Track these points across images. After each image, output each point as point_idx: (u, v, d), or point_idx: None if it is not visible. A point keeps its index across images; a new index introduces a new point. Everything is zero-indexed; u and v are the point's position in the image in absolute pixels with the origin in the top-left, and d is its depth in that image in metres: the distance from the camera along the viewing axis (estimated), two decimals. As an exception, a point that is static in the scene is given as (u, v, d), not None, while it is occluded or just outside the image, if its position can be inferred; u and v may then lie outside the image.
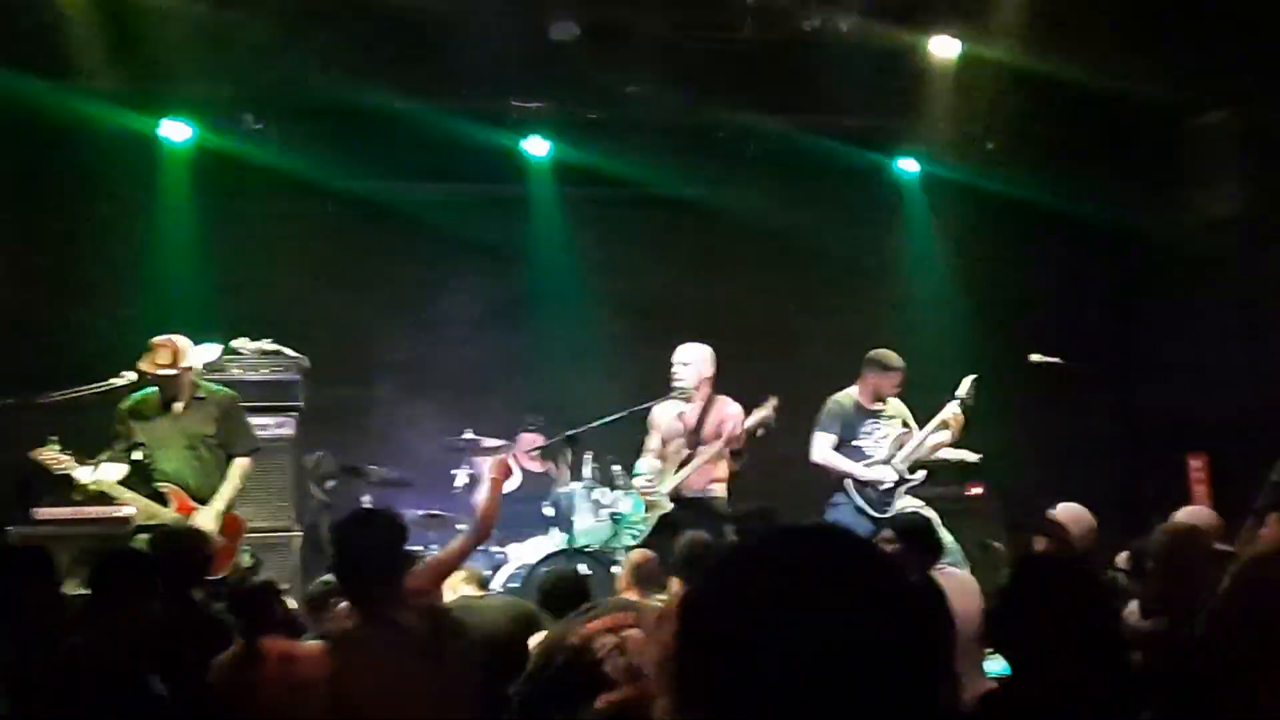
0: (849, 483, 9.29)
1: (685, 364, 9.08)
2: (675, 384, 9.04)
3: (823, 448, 9.23)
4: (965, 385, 9.37)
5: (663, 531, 8.55)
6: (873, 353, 9.42)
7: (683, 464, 9.07)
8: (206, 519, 7.77)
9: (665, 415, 9.20)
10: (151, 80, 10.07)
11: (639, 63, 10.47)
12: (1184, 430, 10.56)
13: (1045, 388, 10.57)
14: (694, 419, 9.11)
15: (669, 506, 8.96)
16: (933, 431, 9.33)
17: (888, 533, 6.99)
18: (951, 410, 9.27)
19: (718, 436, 9.08)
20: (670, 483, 9.03)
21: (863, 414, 9.39)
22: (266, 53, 9.83)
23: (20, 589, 4.75)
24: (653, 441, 9.25)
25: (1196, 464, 9.97)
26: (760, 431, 9.07)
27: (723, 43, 10.36)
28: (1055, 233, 11.63)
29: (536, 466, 10.20)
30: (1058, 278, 11.81)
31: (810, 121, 11.25)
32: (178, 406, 7.98)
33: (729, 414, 9.15)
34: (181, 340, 7.99)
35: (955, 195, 11.57)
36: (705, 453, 9.00)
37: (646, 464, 9.19)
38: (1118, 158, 11.49)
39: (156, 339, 7.93)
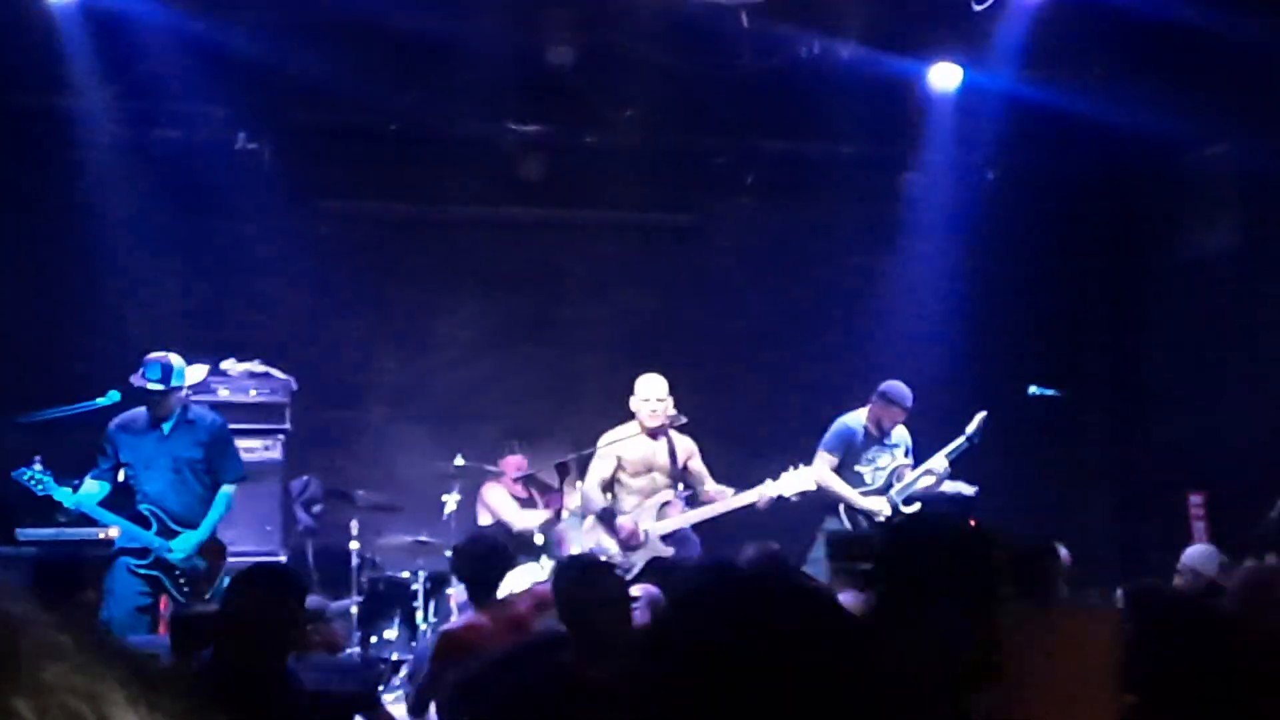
0: (843, 508, 9.18)
1: (661, 400, 8.80)
2: (658, 416, 8.78)
3: (822, 467, 9.10)
4: (975, 422, 9.28)
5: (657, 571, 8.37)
6: (884, 384, 9.31)
7: (665, 504, 8.79)
8: (186, 546, 7.69)
9: (634, 442, 8.81)
10: (144, 97, 9.99)
11: (636, 87, 10.42)
12: (1183, 466, 10.47)
13: (1043, 420, 10.50)
14: (668, 451, 8.90)
15: (663, 549, 8.71)
16: (924, 472, 9.24)
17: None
18: (942, 458, 9.20)
19: (684, 468, 8.88)
20: (682, 520, 8.78)
21: (868, 440, 9.29)
22: (261, 71, 9.76)
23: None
24: (605, 469, 8.80)
25: (1197, 501, 9.87)
26: (795, 498, 8.88)
27: (720, 69, 10.29)
28: (1054, 264, 11.56)
29: (520, 493, 10.07)
30: (1057, 309, 11.72)
31: (809, 149, 11.18)
32: (166, 427, 7.86)
33: (688, 447, 8.94)
34: (175, 358, 7.88)
35: (954, 226, 11.48)
36: (739, 499, 8.71)
37: (599, 496, 8.81)
38: (1117, 190, 11.45)
39: (151, 355, 7.83)
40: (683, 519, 8.71)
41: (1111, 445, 11.61)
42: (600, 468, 8.82)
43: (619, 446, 8.81)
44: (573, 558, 7.20)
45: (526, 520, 9.55)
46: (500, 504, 9.90)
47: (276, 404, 9.50)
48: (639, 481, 8.80)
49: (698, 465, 8.91)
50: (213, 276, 10.44)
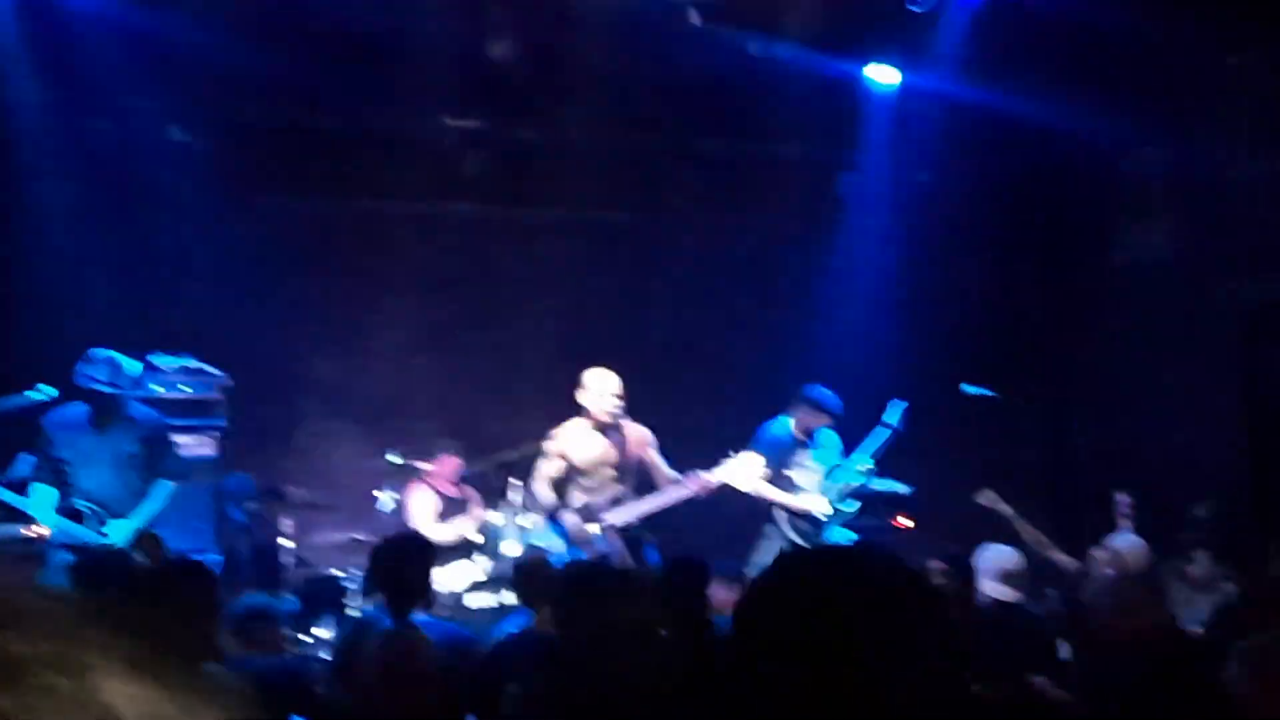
0: (780, 513, 9.21)
1: (617, 394, 8.80)
2: (614, 411, 8.74)
3: (756, 476, 9.10)
4: (894, 410, 9.40)
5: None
6: (807, 389, 9.34)
7: (615, 499, 8.77)
8: (121, 534, 7.57)
9: (581, 440, 8.73)
10: (77, 89, 9.81)
11: (578, 84, 10.39)
12: (1112, 466, 10.61)
13: (976, 419, 10.59)
14: (620, 444, 8.86)
15: (606, 547, 8.62)
16: (855, 469, 9.31)
17: None
18: (868, 453, 9.28)
19: (639, 460, 8.85)
20: (627, 513, 8.73)
21: (795, 444, 9.32)
22: (196, 64, 9.62)
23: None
24: (553, 469, 8.73)
25: (1124, 499, 10.01)
26: (737, 488, 8.86)
27: (663, 67, 10.29)
28: (989, 266, 11.67)
29: (454, 492, 9.98)
30: (991, 311, 11.83)
31: (748, 148, 11.22)
32: (105, 424, 7.73)
33: (643, 437, 8.89)
34: (121, 357, 7.75)
35: (890, 227, 11.56)
36: (681, 490, 8.69)
37: (547, 494, 8.77)
38: (1051, 193, 11.58)
39: (95, 352, 7.68)
40: (627, 512, 8.67)
41: (1043, 444, 11.75)
42: (547, 467, 8.73)
43: (565, 445, 8.73)
44: (580, 567, 6.56)
45: (439, 533, 9.42)
46: (418, 509, 9.74)
47: (210, 400, 9.37)
48: (588, 480, 8.70)
49: (653, 455, 8.84)
50: (146, 271, 10.27)
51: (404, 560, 5.98)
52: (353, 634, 6.00)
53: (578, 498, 8.75)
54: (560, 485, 8.75)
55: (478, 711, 5.96)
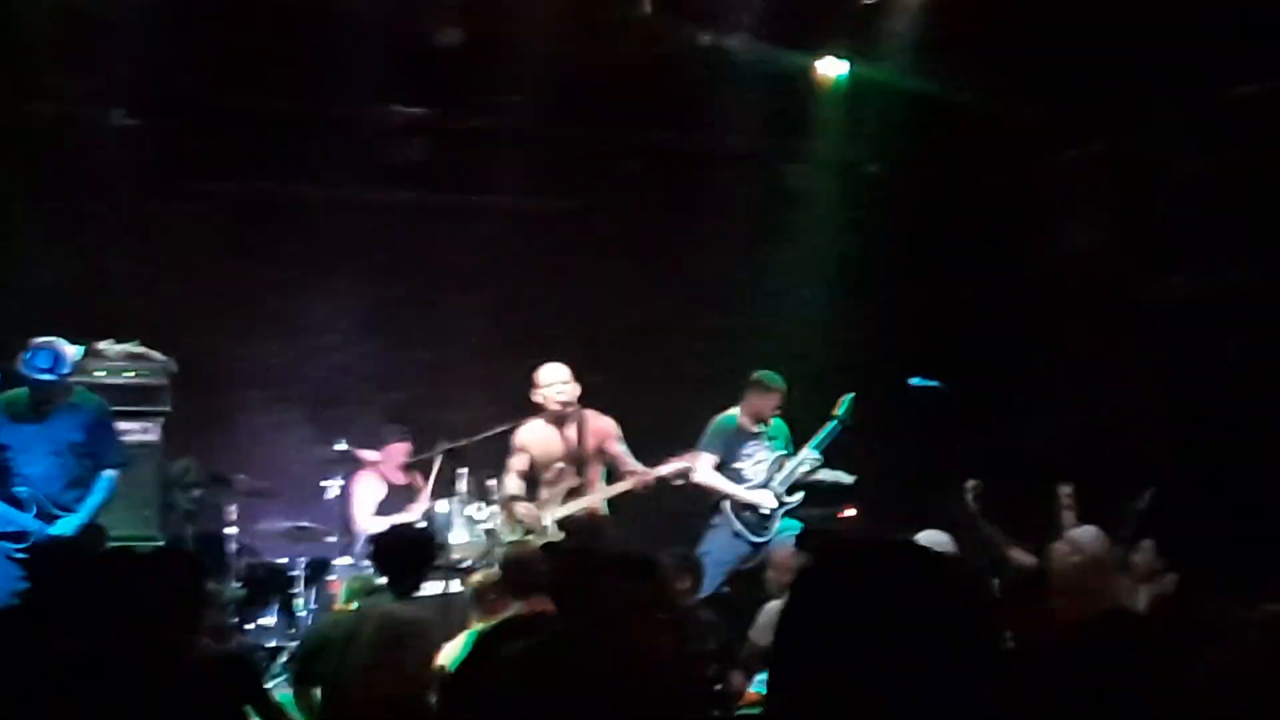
0: (727, 505, 9.25)
1: (566, 382, 8.85)
2: (562, 402, 8.81)
3: (705, 468, 9.16)
4: (843, 403, 9.45)
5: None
6: (754, 374, 9.41)
7: (573, 490, 8.83)
8: (67, 528, 7.49)
9: (539, 436, 8.89)
10: (14, 69, 9.67)
11: (522, 72, 10.35)
12: (1051, 458, 10.70)
13: (919, 411, 10.65)
14: (574, 438, 8.91)
15: (554, 533, 8.68)
16: (802, 461, 9.36)
17: None
18: (816, 445, 9.34)
19: (599, 452, 8.92)
20: (569, 507, 8.78)
21: (744, 436, 9.37)
22: (141, 47, 9.49)
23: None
24: (519, 463, 8.90)
25: (1066, 491, 10.10)
26: (679, 481, 8.94)
27: (609, 56, 10.28)
28: (932, 257, 11.72)
29: (402, 480, 9.94)
30: (933, 299, 11.88)
31: (695, 138, 11.23)
32: (47, 411, 7.64)
33: (604, 428, 8.99)
34: (64, 344, 7.64)
35: (836, 218, 11.60)
36: (621, 484, 8.79)
37: (514, 484, 8.90)
38: (993, 185, 11.65)
39: (38, 340, 7.58)
40: (577, 504, 8.74)
41: (985, 436, 11.81)
42: (515, 462, 8.91)
43: (525, 439, 8.90)
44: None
45: (375, 525, 9.40)
46: (360, 499, 9.72)
47: (155, 386, 9.26)
48: (546, 473, 8.88)
49: (615, 447, 8.96)
50: (90, 255, 10.13)
51: (411, 548, 6.66)
52: (358, 619, 6.09)
53: (542, 492, 8.91)
54: (527, 477, 8.92)
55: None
